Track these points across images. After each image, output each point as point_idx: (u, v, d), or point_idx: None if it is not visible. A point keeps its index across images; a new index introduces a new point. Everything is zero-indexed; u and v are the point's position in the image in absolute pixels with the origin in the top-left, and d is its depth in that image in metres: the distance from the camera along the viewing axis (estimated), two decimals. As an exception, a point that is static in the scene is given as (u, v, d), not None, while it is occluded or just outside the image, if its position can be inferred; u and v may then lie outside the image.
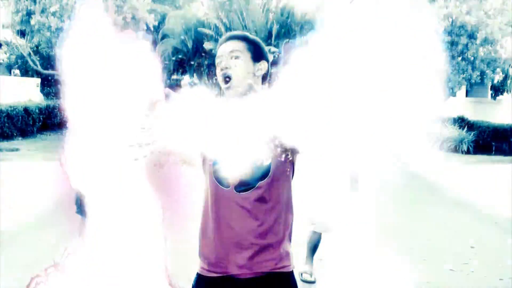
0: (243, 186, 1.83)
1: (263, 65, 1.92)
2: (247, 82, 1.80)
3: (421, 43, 1.39)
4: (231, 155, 1.82)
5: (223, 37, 1.97)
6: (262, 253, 1.85)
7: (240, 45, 1.90)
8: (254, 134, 1.82)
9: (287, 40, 20.86)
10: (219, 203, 1.86)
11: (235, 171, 1.82)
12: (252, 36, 1.97)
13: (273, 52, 18.65)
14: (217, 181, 1.86)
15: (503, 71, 14.69)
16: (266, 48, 2.02)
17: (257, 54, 1.92)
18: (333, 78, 1.43)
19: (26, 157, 10.20)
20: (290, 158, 1.87)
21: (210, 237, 1.89)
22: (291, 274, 1.91)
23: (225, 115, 1.84)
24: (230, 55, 1.88)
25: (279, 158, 1.83)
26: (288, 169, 1.88)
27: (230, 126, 1.82)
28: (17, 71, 19.62)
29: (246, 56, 1.89)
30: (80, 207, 3.98)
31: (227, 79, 1.88)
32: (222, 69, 1.89)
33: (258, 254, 1.84)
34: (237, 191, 1.84)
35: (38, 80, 18.12)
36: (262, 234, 1.84)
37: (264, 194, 1.83)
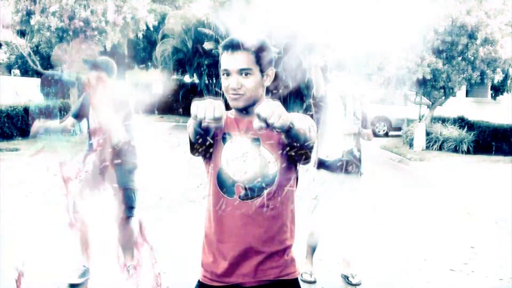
0: (248, 194, 1.81)
1: (270, 72, 1.87)
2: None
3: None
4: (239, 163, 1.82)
5: (229, 41, 1.83)
6: (267, 261, 1.83)
7: (249, 59, 1.80)
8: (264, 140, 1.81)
9: (287, 40, 20.83)
10: (223, 212, 1.83)
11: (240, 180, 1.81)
12: (257, 38, 1.84)
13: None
14: (221, 190, 1.84)
15: (503, 71, 14.67)
16: None
17: (265, 63, 1.83)
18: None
19: (26, 157, 10.19)
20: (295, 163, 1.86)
21: (214, 246, 1.86)
22: (296, 281, 1.90)
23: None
24: (240, 72, 1.79)
25: (284, 164, 1.83)
26: (293, 178, 1.87)
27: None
28: (17, 71, 19.62)
29: (256, 70, 1.81)
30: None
31: (237, 96, 1.81)
32: (233, 89, 1.80)
33: (263, 262, 1.83)
34: (241, 199, 1.82)
35: (38, 80, 18.12)
36: (267, 242, 1.83)
37: (269, 202, 1.81)
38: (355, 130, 4.17)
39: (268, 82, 1.87)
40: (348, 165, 4.15)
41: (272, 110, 1.46)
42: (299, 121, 1.62)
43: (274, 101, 1.49)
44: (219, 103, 1.52)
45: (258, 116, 1.46)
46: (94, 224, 3.50)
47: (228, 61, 1.81)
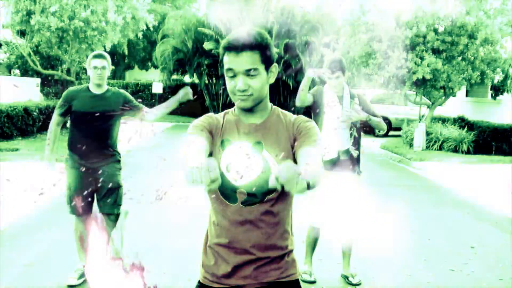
0: (250, 200, 1.79)
1: (274, 69, 1.83)
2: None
3: None
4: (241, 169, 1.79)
5: (233, 42, 1.76)
6: (268, 264, 1.82)
7: (255, 59, 1.75)
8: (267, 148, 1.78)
9: (287, 40, 20.86)
10: (225, 217, 1.81)
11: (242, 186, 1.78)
12: (260, 36, 1.78)
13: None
14: (223, 196, 1.81)
15: (503, 71, 14.62)
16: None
17: (269, 61, 1.80)
18: None
19: (26, 157, 10.19)
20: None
21: (215, 249, 1.85)
22: (296, 282, 1.89)
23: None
24: (247, 73, 1.75)
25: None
26: None
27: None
28: (17, 71, 19.62)
29: (261, 69, 1.77)
30: (73, 207, 4.00)
31: (245, 97, 1.78)
32: (240, 90, 1.76)
33: (264, 265, 1.82)
34: (243, 205, 1.79)
35: (38, 80, 18.11)
36: (268, 248, 1.81)
37: (271, 208, 1.79)
38: (362, 117, 4.09)
39: (272, 79, 1.84)
40: (346, 165, 4.15)
41: (292, 178, 1.42)
42: (313, 170, 1.57)
43: (295, 166, 1.46)
44: (214, 167, 1.46)
45: (277, 179, 1.42)
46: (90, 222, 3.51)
47: (233, 62, 1.75)
